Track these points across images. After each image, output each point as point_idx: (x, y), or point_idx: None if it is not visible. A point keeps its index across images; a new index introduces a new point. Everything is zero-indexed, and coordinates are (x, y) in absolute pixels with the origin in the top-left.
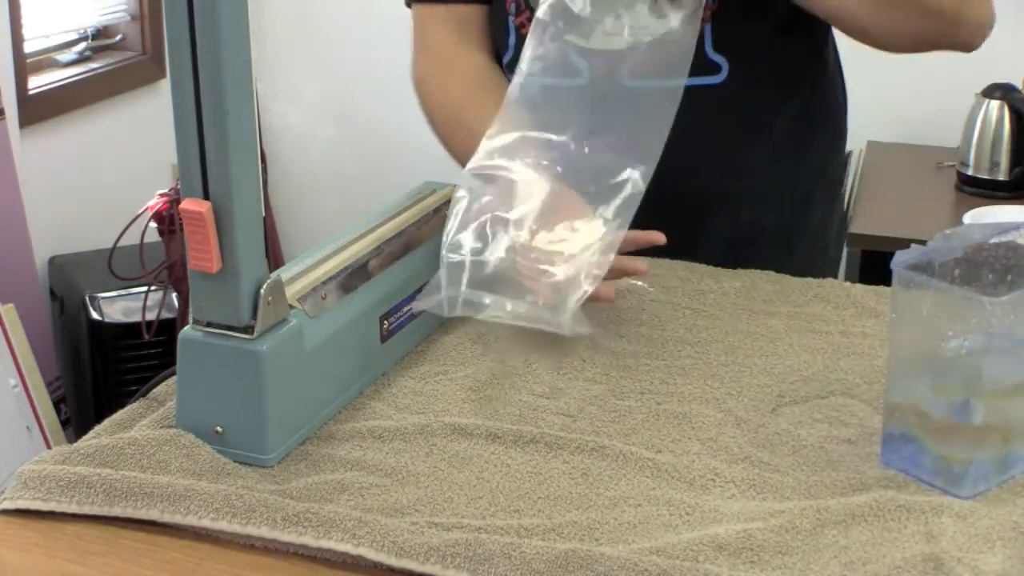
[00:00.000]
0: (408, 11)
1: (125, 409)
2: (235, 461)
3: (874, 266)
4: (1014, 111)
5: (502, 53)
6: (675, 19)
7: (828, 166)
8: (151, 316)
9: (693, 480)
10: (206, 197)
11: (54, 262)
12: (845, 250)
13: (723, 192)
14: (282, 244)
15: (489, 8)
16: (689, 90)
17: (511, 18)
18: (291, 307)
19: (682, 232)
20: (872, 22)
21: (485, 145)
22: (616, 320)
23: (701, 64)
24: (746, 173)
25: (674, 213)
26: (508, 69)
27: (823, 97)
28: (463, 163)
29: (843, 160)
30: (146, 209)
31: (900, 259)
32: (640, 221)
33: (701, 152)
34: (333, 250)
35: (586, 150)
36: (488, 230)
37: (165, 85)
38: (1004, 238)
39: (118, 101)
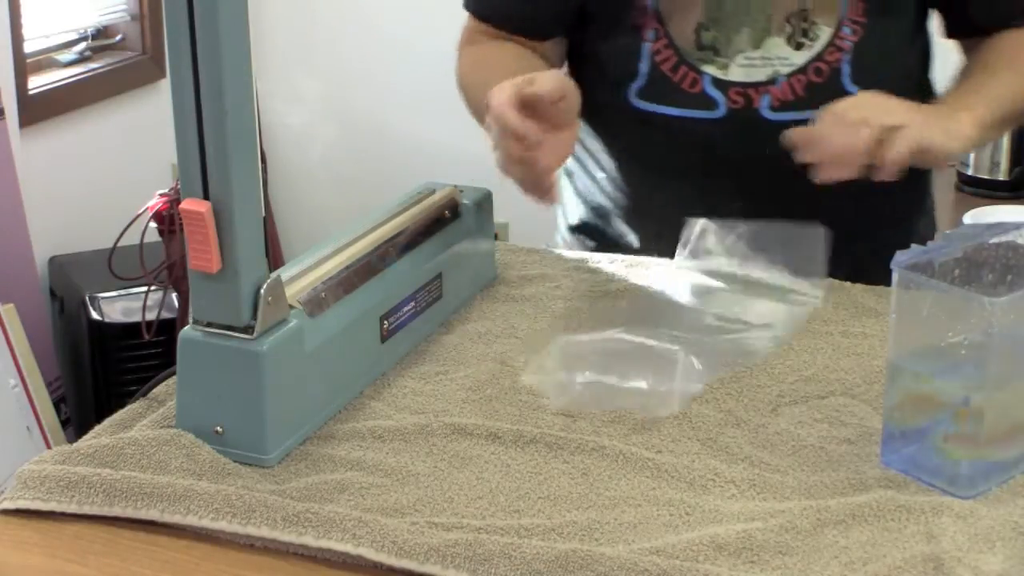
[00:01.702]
0: (407, 11)
1: (125, 409)
2: (235, 461)
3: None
4: None
5: (626, 81)
6: (812, 50)
7: (931, 184)
8: (151, 316)
9: (693, 480)
10: (206, 197)
11: (54, 262)
12: None
13: (849, 218)
14: (282, 244)
15: (605, 36)
16: None
17: (647, 45)
18: (291, 307)
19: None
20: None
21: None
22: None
23: (838, 95)
24: (875, 200)
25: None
26: (639, 96)
27: None
28: (476, 111)
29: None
30: (146, 209)
31: (900, 259)
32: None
33: (841, 182)
34: (333, 250)
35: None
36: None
37: (165, 85)
38: (1004, 238)
39: (118, 101)
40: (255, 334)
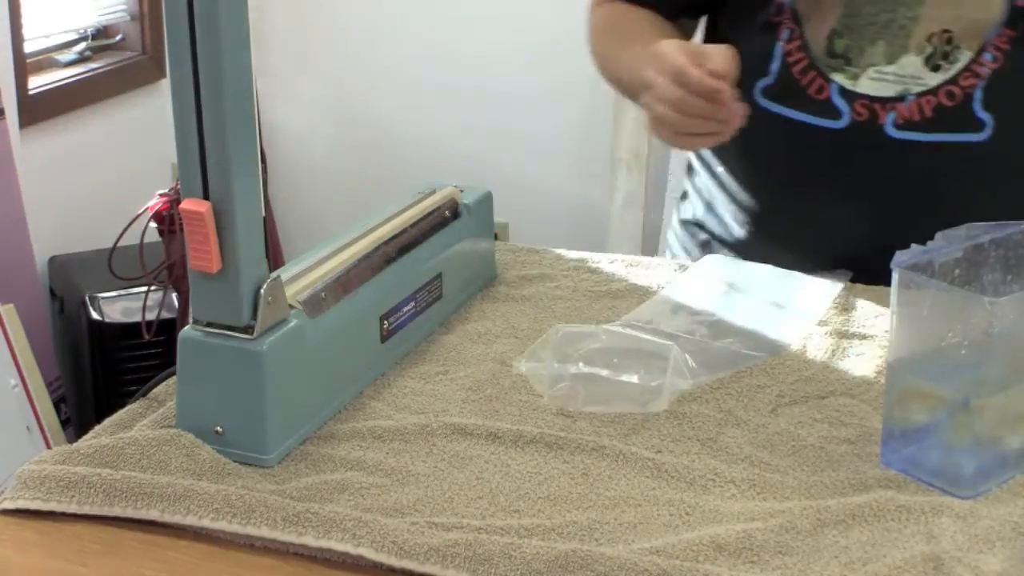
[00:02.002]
0: (411, 11)
1: (125, 409)
2: (235, 461)
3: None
4: None
5: (754, 78)
6: (948, 73)
7: None
8: (151, 316)
9: (693, 480)
10: (206, 197)
11: (54, 262)
12: None
13: None
14: (282, 244)
15: (739, 29)
16: (950, 146)
17: (780, 44)
18: (291, 307)
19: None
20: None
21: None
22: (615, 319)
23: (966, 120)
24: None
25: None
26: (764, 95)
27: None
28: (611, 75)
29: None
30: (146, 209)
31: (900, 259)
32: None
33: (955, 207)
34: (333, 250)
35: None
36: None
37: (165, 85)
38: (1004, 238)
39: (118, 101)
40: (255, 334)
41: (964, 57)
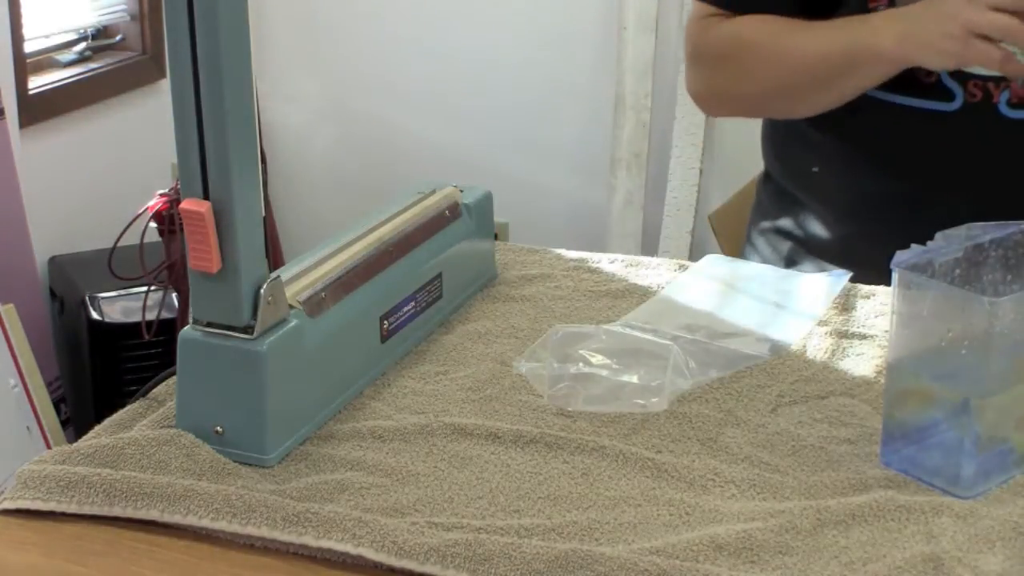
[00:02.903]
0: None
1: (125, 409)
2: (235, 461)
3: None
4: None
5: None
6: None
7: None
8: (151, 316)
9: (693, 480)
10: (206, 197)
11: (54, 262)
12: None
13: None
14: (282, 244)
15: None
16: None
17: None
18: (291, 307)
19: None
20: None
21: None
22: (615, 319)
23: None
24: None
25: None
26: None
27: None
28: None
29: None
30: (146, 209)
31: (900, 259)
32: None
33: None
34: (333, 250)
35: None
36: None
37: (165, 85)
38: (1004, 238)
39: (118, 101)
40: (255, 334)
41: None
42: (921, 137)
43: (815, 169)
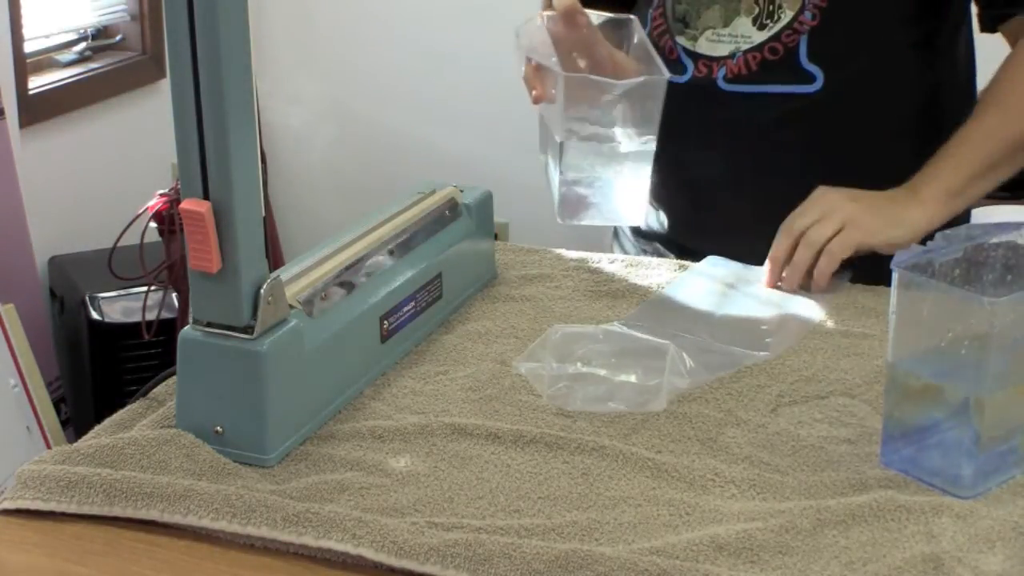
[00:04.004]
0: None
1: (125, 409)
2: (235, 461)
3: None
4: None
5: None
6: (772, 31)
7: None
8: (151, 316)
9: (693, 480)
10: (206, 197)
11: (54, 262)
12: None
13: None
14: (282, 244)
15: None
16: (783, 97)
17: (651, 12)
18: (291, 307)
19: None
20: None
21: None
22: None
23: (793, 71)
24: (842, 184)
25: (763, 218)
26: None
27: (943, 107)
28: None
29: None
30: (146, 209)
31: (900, 259)
32: (738, 235)
33: (798, 155)
34: (333, 250)
35: None
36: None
37: (165, 85)
38: (1004, 238)
39: (118, 101)
40: (255, 334)
41: (786, 16)
42: (669, 106)
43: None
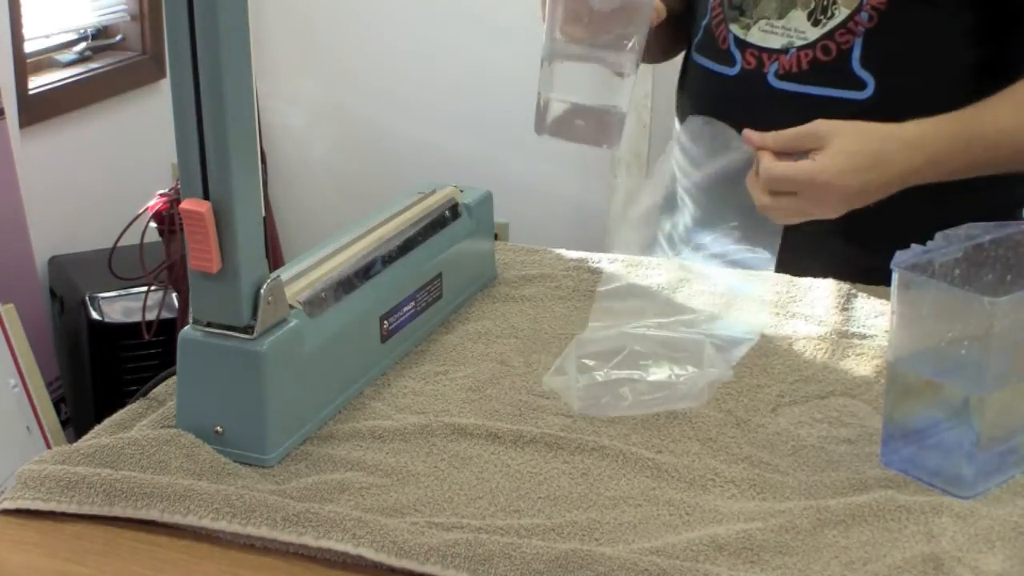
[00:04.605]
0: (411, 12)
1: (125, 409)
2: (235, 461)
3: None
4: None
5: (691, 37)
6: (825, 28)
7: (1002, 190)
8: (151, 316)
9: (693, 480)
10: (206, 197)
11: (54, 262)
12: None
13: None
14: (282, 244)
15: None
16: (832, 102)
17: (710, 1)
18: (291, 307)
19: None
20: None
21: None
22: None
23: (844, 75)
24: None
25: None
26: (695, 50)
27: None
28: None
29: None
30: (146, 209)
31: (900, 259)
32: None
33: None
34: (333, 250)
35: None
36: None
37: (165, 85)
38: (1004, 238)
39: (118, 101)
40: (255, 334)
41: (841, 14)
42: (715, 98)
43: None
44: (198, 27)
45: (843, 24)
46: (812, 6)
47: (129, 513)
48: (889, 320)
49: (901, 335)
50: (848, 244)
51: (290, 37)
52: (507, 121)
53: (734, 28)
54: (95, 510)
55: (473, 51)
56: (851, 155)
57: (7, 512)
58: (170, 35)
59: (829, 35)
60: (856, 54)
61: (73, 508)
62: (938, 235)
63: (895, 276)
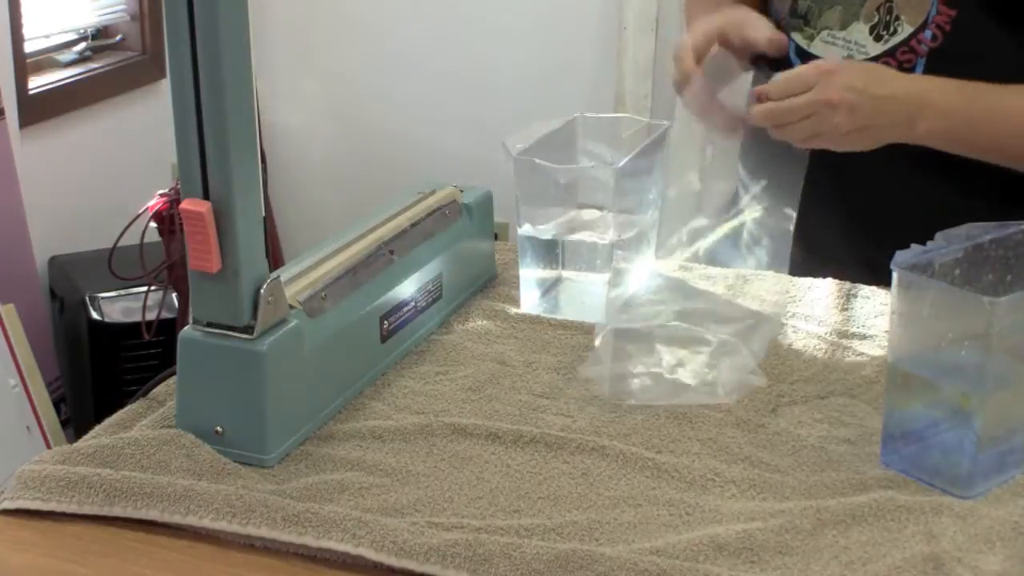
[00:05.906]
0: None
1: (125, 409)
2: (235, 461)
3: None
4: None
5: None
6: (888, 44)
7: None
8: (151, 316)
9: (693, 480)
10: (206, 197)
11: (54, 262)
12: None
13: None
14: (282, 244)
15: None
16: None
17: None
18: (291, 307)
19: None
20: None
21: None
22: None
23: None
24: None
25: (857, 240)
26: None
27: None
28: None
29: None
30: (146, 209)
31: (900, 259)
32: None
33: (893, 185)
34: (333, 250)
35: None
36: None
37: (165, 85)
38: (1004, 238)
39: (118, 101)
40: (255, 334)
41: (904, 31)
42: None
43: None
44: (198, 27)
45: (905, 42)
46: (875, 20)
47: (129, 513)
48: (889, 320)
49: (901, 335)
50: (864, 245)
51: (290, 37)
52: (508, 121)
53: (797, 37)
54: (95, 510)
55: (473, 51)
56: (852, 65)
57: (7, 512)
58: (170, 35)
59: (891, 52)
60: (920, 71)
61: (73, 508)
62: (938, 235)
63: (895, 276)
